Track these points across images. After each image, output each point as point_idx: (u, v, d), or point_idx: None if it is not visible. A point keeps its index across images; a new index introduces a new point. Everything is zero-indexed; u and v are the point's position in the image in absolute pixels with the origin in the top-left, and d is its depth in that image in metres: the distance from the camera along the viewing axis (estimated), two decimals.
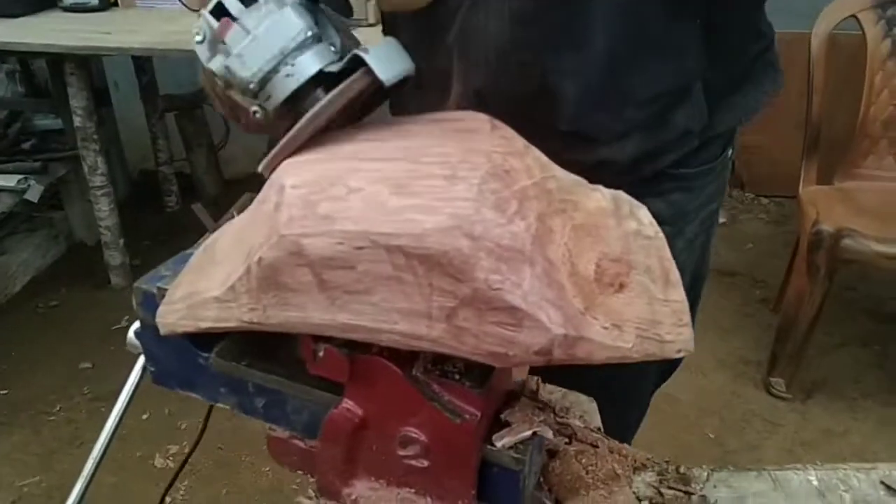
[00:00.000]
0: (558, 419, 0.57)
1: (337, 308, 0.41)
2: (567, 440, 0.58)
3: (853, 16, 2.13)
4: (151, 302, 0.53)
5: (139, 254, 2.80)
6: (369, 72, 0.46)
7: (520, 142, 0.47)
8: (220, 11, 0.49)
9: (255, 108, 0.49)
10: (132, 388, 0.61)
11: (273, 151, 0.48)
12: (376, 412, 0.50)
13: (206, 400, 0.59)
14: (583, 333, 0.41)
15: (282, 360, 0.55)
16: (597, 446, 0.58)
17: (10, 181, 2.43)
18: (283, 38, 0.47)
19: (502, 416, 0.51)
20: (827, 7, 2.15)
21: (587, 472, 0.55)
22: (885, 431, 2.08)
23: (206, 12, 0.50)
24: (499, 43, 0.63)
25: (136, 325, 0.59)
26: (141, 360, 0.61)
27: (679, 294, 0.45)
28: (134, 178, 3.27)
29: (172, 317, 0.48)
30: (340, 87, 0.46)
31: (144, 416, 2.10)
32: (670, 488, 0.56)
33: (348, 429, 0.51)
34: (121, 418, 0.62)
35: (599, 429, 0.61)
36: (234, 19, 0.49)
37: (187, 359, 0.56)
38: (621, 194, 0.52)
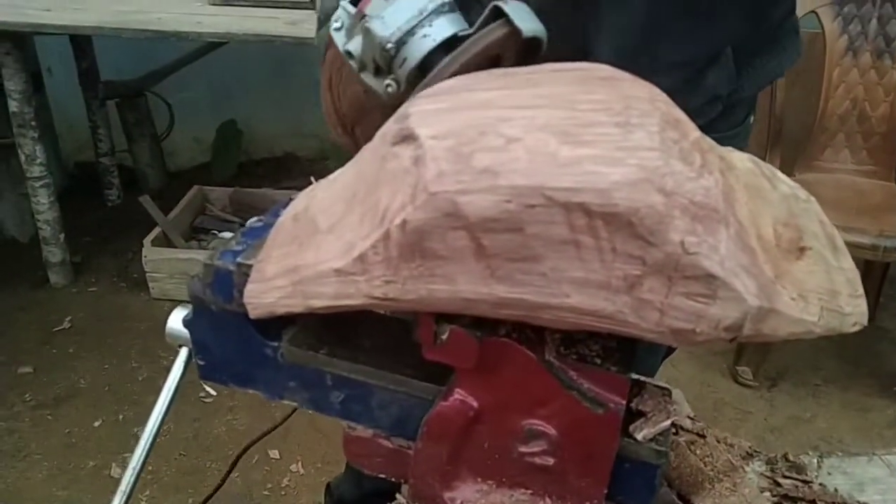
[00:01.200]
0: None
1: (496, 279, 0.35)
2: (674, 430, 0.53)
3: (813, 11, 2.19)
4: (227, 280, 0.45)
5: (80, 250, 2.62)
6: (509, 22, 0.46)
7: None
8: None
9: (388, 81, 0.50)
10: (173, 387, 0.53)
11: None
12: (496, 403, 0.43)
13: (269, 397, 0.50)
14: (775, 305, 0.36)
15: (366, 347, 0.48)
16: (704, 436, 0.53)
17: None
18: (422, 1, 0.49)
19: (633, 404, 0.45)
20: None
21: (706, 464, 0.50)
22: (848, 415, 2.15)
23: (344, 2, 0.53)
24: (542, 3, 0.61)
25: (180, 312, 0.51)
26: (184, 352, 0.52)
27: (849, 261, 0.41)
28: (69, 170, 3.06)
29: (271, 296, 0.40)
30: (482, 31, 0.47)
31: (96, 424, 1.95)
32: (786, 477, 0.52)
33: (459, 423, 0.44)
34: (160, 425, 0.53)
35: (694, 417, 0.57)
36: None
37: (250, 350, 0.48)
38: (753, 157, 0.47)
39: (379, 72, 0.51)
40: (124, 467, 2.07)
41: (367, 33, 0.49)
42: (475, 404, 0.44)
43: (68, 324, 2.31)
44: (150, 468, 1.91)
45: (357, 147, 0.58)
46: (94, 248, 2.67)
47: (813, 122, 2.33)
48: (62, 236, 2.38)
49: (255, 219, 0.49)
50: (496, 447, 0.45)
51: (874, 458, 0.55)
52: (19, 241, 2.70)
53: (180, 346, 0.53)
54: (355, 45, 0.51)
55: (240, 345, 0.49)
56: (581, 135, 0.35)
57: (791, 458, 0.54)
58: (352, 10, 0.52)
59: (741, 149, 0.83)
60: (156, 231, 2.37)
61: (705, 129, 0.77)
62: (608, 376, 0.41)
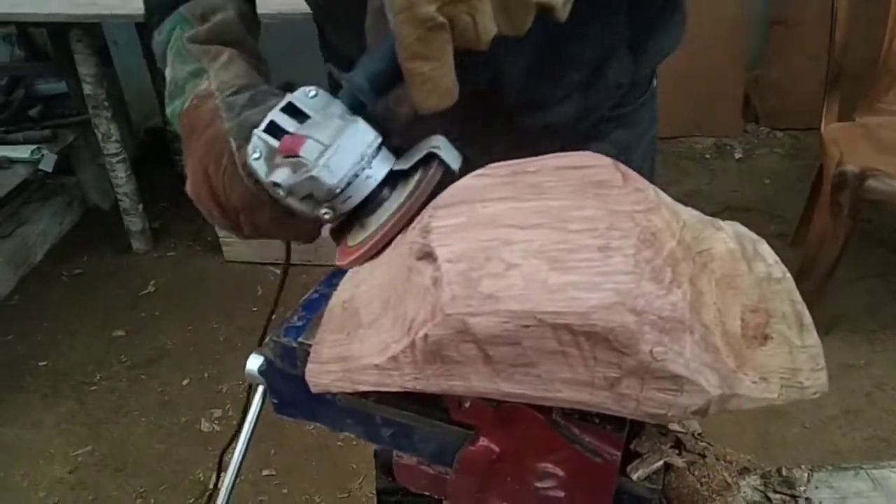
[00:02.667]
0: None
1: (501, 379, 0.43)
2: (678, 451, 0.61)
3: None
4: (291, 355, 0.55)
5: (157, 216, 2.79)
6: (442, 163, 0.53)
7: (651, 190, 0.48)
8: (274, 130, 0.56)
9: (325, 210, 0.55)
10: (254, 421, 0.64)
11: (373, 240, 0.54)
12: (514, 450, 0.53)
13: (332, 429, 0.61)
14: (736, 391, 0.43)
15: (409, 395, 0.57)
16: (705, 456, 0.61)
17: (23, 152, 2.40)
18: (362, 146, 0.53)
19: (632, 446, 0.53)
20: None
21: (701, 485, 0.58)
22: None
23: (260, 132, 0.56)
24: None
25: (257, 359, 0.61)
26: (260, 390, 0.63)
27: (813, 338, 0.47)
28: (140, 138, 3.23)
29: (326, 378, 0.50)
30: (424, 178, 0.53)
31: (185, 382, 2.15)
32: (776, 492, 0.60)
33: (484, 463, 0.54)
34: (246, 450, 0.64)
35: (700, 434, 0.64)
36: (293, 135, 0.55)
37: (315, 395, 0.59)
38: (739, 228, 0.53)
39: (309, 199, 0.55)
40: (212, 422, 2.28)
41: (314, 180, 0.52)
42: (497, 449, 0.53)
43: (152, 288, 2.51)
44: (235, 422, 2.13)
45: (239, 229, 0.63)
46: (169, 214, 2.84)
47: (877, 61, 2.23)
48: (140, 206, 2.55)
49: (312, 290, 0.58)
50: (516, 481, 0.54)
51: (860, 472, 0.62)
52: (102, 209, 2.90)
53: (258, 385, 0.64)
54: (283, 177, 0.54)
55: (305, 393, 0.59)
56: (568, 261, 0.42)
57: (784, 472, 0.62)
58: (272, 140, 0.55)
59: (653, 110, 0.92)
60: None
61: (615, 108, 0.84)
62: (605, 433, 0.50)
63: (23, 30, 2.52)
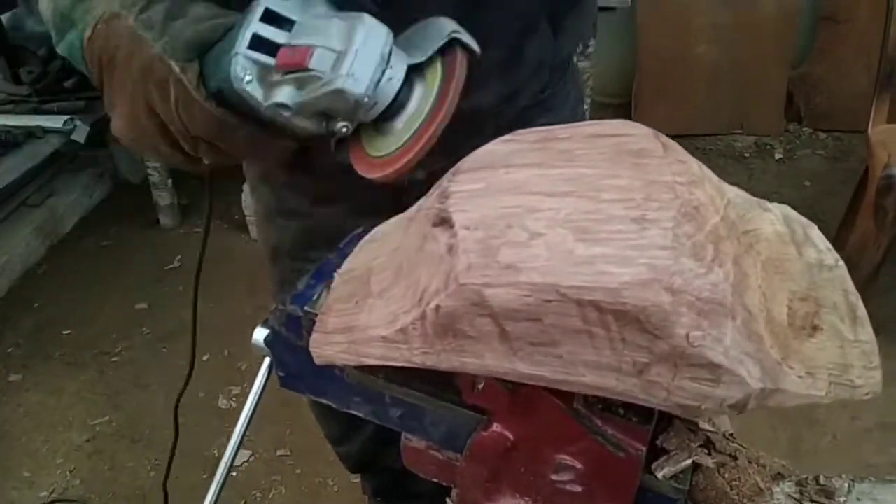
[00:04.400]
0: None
1: (518, 358, 0.39)
2: (707, 451, 0.56)
3: None
4: (296, 324, 0.52)
5: (186, 193, 2.80)
6: (466, 48, 0.48)
7: (694, 163, 0.44)
8: (260, 44, 0.48)
9: (341, 125, 0.49)
10: (258, 392, 0.61)
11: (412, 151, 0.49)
12: (529, 438, 0.49)
13: (338, 407, 0.58)
14: (779, 385, 0.39)
15: (421, 374, 0.54)
16: (736, 458, 0.56)
17: (56, 122, 2.41)
18: (380, 44, 0.48)
19: (658, 441, 0.49)
20: None
21: (731, 488, 0.54)
22: None
23: (245, 51, 0.48)
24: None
25: (263, 331, 0.58)
26: (266, 362, 0.60)
27: (868, 333, 0.43)
28: None
29: (331, 349, 0.46)
30: (456, 66, 0.48)
31: (205, 358, 2.14)
32: (813, 501, 0.55)
33: (497, 451, 0.50)
34: (249, 422, 0.62)
35: (732, 434, 0.60)
36: (292, 46, 0.48)
37: (320, 369, 0.55)
38: (789, 210, 0.48)
39: (321, 115, 0.49)
40: (230, 399, 2.26)
41: (338, 94, 0.47)
42: (511, 437, 0.49)
43: (178, 263, 2.51)
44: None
45: (195, 160, 0.55)
46: (199, 191, 2.84)
47: None
48: (170, 181, 2.55)
49: (324, 259, 0.55)
50: (530, 472, 0.50)
51: None
52: (132, 183, 2.91)
53: (264, 357, 0.61)
54: (290, 97, 0.48)
55: (311, 366, 0.55)
56: (598, 232, 0.38)
57: (822, 481, 0.57)
58: (266, 60, 0.48)
59: (578, 85, 0.93)
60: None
61: (538, 95, 0.82)
62: (630, 426, 0.46)
63: None
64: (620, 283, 0.36)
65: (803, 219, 0.48)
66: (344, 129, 0.50)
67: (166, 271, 2.48)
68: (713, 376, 0.37)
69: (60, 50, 0.59)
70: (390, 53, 0.48)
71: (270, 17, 0.49)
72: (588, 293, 0.37)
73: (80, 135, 2.48)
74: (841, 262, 0.45)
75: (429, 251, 0.42)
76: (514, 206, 0.40)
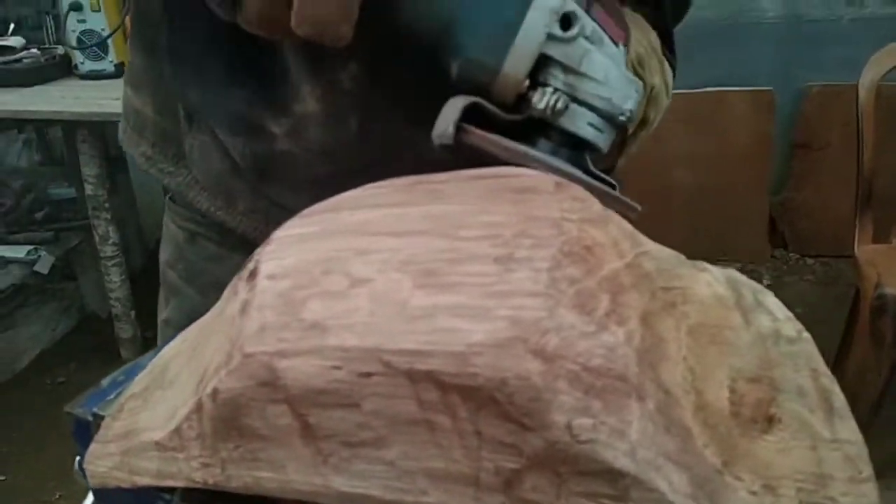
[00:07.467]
0: None
1: (330, 468, 0.26)
2: None
3: None
4: (85, 433, 0.39)
5: (153, 327, 2.68)
6: None
7: (597, 205, 0.33)
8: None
9: None
10: None
11: None
12: None
13: None
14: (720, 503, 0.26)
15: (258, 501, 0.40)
16: None
17: (19, 252, 2.34)
18: None
19: None
20: (874, 56, 2.06)
21: None
22: None
23: None
24: None
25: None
26: (90, 497, 0.46)
27: (851, 429, 0.30)
28: (151, 248, 3.19)
29: (104, 464, 0.33)
30: None
31: None
32: None
33: None
34: None
35: None
36: None
37: (144, 500, 0.42)
38: (736, 274, 0.37)
39: None
40: None
41: None
42: None
43: None
44: None
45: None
46: None
47: None
48: (133, 313, 2.45)
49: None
50: None
51: None
52: (100, 317, 2.80)
53: (90, 490, 0.47)
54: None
55: (134, 494, 0.42)
56: (447, 275, 0.26)
57: None
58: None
59: None
60: None
61: None
62: None
63: (41, 134, 2.55)
64: (468, 345, 0.24)
65: (756, 284, 0.36)
66: None
67: None
68: (616, 490, 0.24)
69: None
70: None
71: None
72: (423, 361, 0.25)
73: (45, 266, 2.41)
74: (806, 335, 0.32)
75: (226, 315, 0.30)
76: (343, 249, 0.29)
